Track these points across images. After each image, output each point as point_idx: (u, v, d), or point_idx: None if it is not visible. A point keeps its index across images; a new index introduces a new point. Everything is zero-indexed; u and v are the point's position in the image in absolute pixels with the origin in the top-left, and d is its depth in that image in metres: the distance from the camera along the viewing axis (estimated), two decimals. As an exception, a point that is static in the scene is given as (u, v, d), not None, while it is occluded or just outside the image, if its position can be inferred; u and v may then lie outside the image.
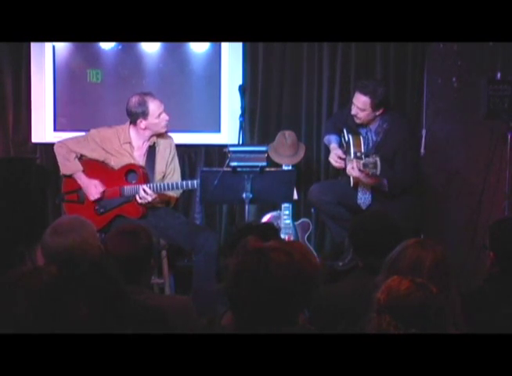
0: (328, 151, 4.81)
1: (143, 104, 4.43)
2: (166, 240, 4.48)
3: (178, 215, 4.71)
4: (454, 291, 2.43)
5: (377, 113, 4.52)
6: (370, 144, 4.57)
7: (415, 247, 2.50)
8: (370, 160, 4.18)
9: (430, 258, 2.46)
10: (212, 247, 4.40)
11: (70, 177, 4.57)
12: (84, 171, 4.52)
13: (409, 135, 4.67)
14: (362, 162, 4.27)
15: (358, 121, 4.57)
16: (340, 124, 4.78)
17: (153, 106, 4.44)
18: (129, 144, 4.52)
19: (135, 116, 4.46)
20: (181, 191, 4.59)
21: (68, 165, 4.54)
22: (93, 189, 4.49)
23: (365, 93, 4.47)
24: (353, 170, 4.38)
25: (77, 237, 2.75)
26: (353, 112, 4.55)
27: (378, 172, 4.16)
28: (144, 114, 4.43)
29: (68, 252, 2.70)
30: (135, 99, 4.45)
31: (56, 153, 4.59)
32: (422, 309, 2.04)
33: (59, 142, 4.63)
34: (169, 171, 4.62)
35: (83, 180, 4.52)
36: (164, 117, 4.49)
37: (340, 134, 4.79)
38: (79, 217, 3.05)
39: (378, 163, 4.13)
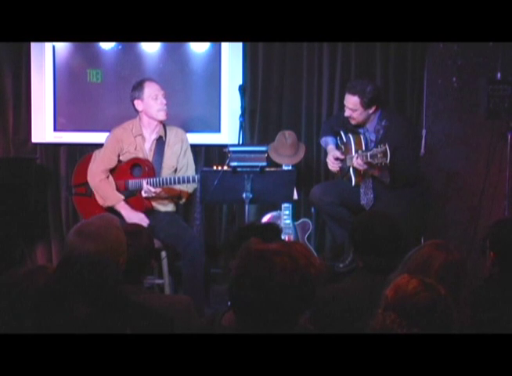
0: (328, 151, 4.81)
1: (141, 84, 4.55)
2: (160, 241, 4.44)
3: (167, 213, 4.62)
4: (465, 294, 2.41)
5: (370, 112, 4.52)
6: (369, 143, 4.57)
7: (429, 247, 2.49)
8: (379, 149, 4.17)
9: (440, 259, 2.44)
10: (195, 252, 4.38)
11: (78, 170, 4.60)
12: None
13: (409, 129, 4.67)
14: (369, 153, 4.26)
15: (353, 122, 4.58)
16: (336, 127, 4.79)
17: (150, 87, 4.53)
18: (141, 136, 4.57)
19: (133, 97, 4.53)
20: (194, 186, 4.56)
21: (110, 199, 4.52)
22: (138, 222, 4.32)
23: (353, 93, 4.49)
24: (358, 164, 4.38)
25: (101, 245, 2.38)
26: (346, 114, 4.57)
27: (388, 160, 4.14)
28: (140, 94, 4.50)
29: (94, 258, 2.44)
30: (135, 82, 4.60)
31: (95, 188, 4.56)
32: (428, 309, 2.02)
33: (90, 173, 4.58)
34: (181, 166, 4.62)
35: (127, 212, 4.47)
36: (162, 100, 4.52)
37: (336, 136, 4.80)
38: (109, 221, 2.75)
39: (388, 151, 4.11)
